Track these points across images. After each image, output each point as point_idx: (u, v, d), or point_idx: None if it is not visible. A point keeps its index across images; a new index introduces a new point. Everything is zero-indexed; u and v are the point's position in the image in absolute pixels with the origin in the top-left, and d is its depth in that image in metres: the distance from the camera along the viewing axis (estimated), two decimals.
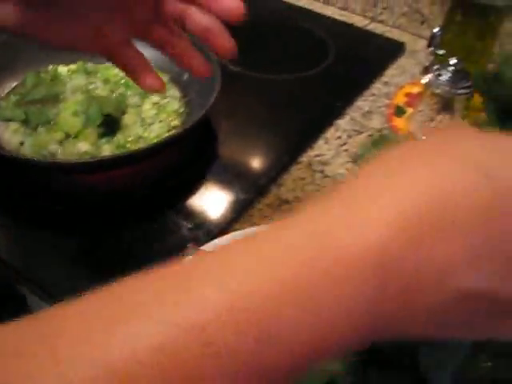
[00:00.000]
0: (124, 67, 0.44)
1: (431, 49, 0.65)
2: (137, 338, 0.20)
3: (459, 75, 0.62)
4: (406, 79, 0.78)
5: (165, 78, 0.73)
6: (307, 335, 0.21)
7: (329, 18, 0.92)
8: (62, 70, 0.73)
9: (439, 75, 0.62)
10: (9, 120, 0.65)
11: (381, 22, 0.92)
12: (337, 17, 0.93)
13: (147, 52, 0.44)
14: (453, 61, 0.62)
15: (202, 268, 0.22)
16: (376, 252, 0.21)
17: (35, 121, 0.64)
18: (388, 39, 0.87)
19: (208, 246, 0.50)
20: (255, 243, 0.23)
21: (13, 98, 0.69)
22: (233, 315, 0.20)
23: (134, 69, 0.44)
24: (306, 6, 0.95)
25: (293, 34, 0.88)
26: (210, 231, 0.55)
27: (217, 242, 0.51)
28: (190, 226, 0.56)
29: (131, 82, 0.70)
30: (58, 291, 0.49)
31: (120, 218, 0.57)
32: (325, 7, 0.95)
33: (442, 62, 0.63)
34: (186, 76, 0.73)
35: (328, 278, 0.21)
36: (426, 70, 0.65)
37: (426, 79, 0.64)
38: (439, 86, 0.62)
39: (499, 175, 0.23)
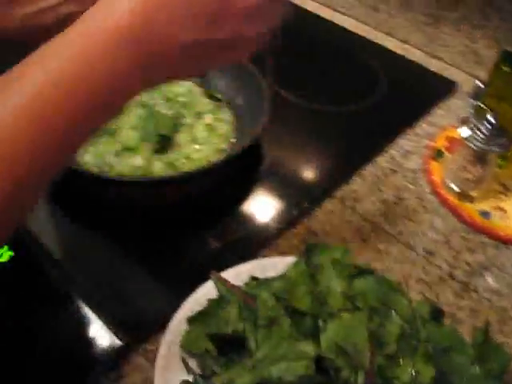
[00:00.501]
0: None
1: (472, 100, 0.67)
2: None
3: (496, 131, 0.64)
4: (452, 121, 0.80)
5: (222, 100, 0.79)
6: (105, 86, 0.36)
7: (386, 49, 0.95)
8: None
9: (476, 128, 0.65)
10: None
11: (439, 58, 0.94)
12: (396, 50, 0.95)
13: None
14: (491, 116, 0.64)
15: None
16: (127, 28, 0.36)
17: (98, 131, 0.70)
18: (441, 77, 0.90)
19: (228, 273, 0.55)
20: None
21: None
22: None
23: None
24: (367, 36, 0.98)
25: (348, 63, 0.92)
26: (237, 254, 0.59)
27: (240, 267, 0.57)
28: (218, 245, 0.61)
29: (188, 102, 0.76)
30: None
31: (160, 229, 0.63)
32: (386, 38, 0.98)
33: (481, 114, 0.65)
34: (239, 100, 0.78)
35: (100, 51, 0.35)
36: (464, 120, 0.68)
37: (463, 130, 0.66)
38: (474, 140, 0.64)
39: None
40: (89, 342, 0.53)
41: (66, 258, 0.61)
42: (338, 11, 1.04)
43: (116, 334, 0.52)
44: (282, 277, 0.52)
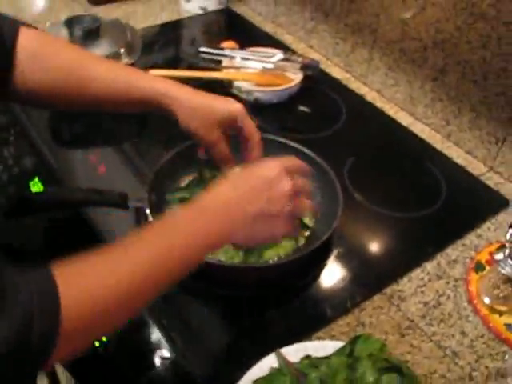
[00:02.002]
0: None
1: (511, 230, 0.80)
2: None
3: None
4: (499, 236, 0.92)
5: None
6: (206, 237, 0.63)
7: (449, 159, 1.09)
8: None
9: (510, 256, 0.78)
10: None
11: (498, 173, 1.07)
12: (459, 160, 1.09)
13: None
14: None
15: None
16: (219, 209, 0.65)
17: None
18: (497, 193, 1.02)
19: (289, 348, 0.71)
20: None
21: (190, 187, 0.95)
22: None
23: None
24: (434, 145, 1.12)
25: (417, 171, 1.06)
26: (297, 333, 0.75)
27: (299, 345, 0.72)
28: (283, 323, 0.77)
29: None
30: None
31: (241, 305, 0.81)
32: (451, 148, 1.12)
33: None
34: (318, 198, 0.94)
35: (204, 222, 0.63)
36: (501, 246, 0.80)
37: (498, 253, 0.79)
38: (505, 265, 0.77)
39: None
40: None
41: (165, 318, 0.79)
42: (417, 119, 1.19)
43: None
44: (328, 361, 0.68)
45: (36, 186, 0.97)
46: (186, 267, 0.60)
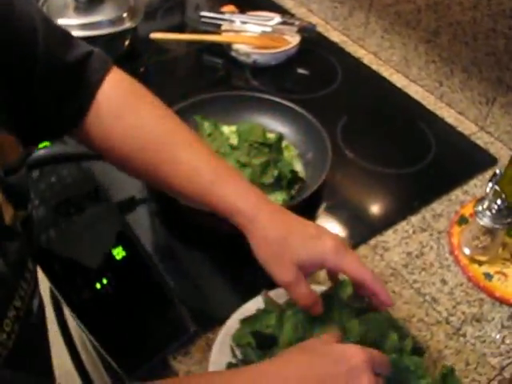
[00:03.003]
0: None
1: (490, 183, 0.84)
2: None
3: (504, 212, 0.81)
4: (484, 192, 0.96)
5: (294, 152, 1.00)
6: None
7: (441, 119, 1.12)
8: (226, 129, 1.02)
9: (488, 207, 0.82)
10: None
11: (488, 133, 1.09)
12: (450, 120, 1.12)
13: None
14: (499, 200, 0.81)
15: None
16: None
17: None
18: (485, 151, 1.05)
19: (276, 291, 0.76)
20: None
21: None
22: None
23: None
24: (427, 106, 1.15)
25: (408, 130, 1.09)
26: None
27: (282, 290, 0.77)
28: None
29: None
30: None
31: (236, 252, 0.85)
32: (444, 108, 1.15)
33: (495, 196, 0.82)
34: (309, 154, 0.99)
35: None
36: (481, 199, 0.84)
37: (478, 205, 0.83)
38: (483, 216, 0.81)
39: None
40: (170, 325, 0.76)
41: (163, 260, 0.84)
42: (412, 80, 1.21)
43: (189, 323, 0.75)
44: None
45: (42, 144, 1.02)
46: None
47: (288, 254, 0.63)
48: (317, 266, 0.66)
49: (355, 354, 0.54)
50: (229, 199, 0.64)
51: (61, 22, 1.13)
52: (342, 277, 0.70)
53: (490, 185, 0.83)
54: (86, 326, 0.76)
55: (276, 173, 0.92)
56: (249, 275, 0.81)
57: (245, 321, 0.73)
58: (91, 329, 0.76)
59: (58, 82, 0.64)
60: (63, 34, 0.66)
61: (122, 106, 0.68)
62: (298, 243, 0.64)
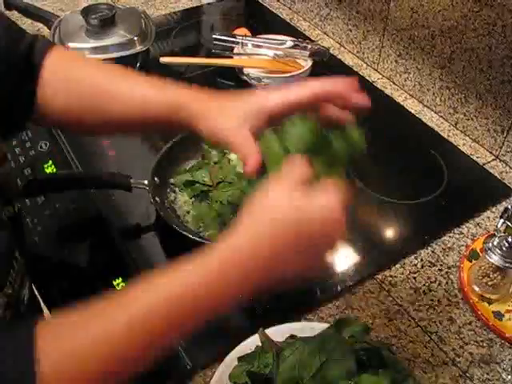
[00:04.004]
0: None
1: (501, 220, 0.81)
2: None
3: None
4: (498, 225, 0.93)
5: None
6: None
7: (455, 147, 1.09)
8: (234, 156, 1.01)
9: (498, 245, 0.79)
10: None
11: (503, 161, 1.06)
12: (464, 148, 1.09)
13: None
14: (511, 238, 0.78)
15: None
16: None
17: (202, 199, 0.93)
18: (499, 181, 1.02)
19: (275, 328, 0.74)
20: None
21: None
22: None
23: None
24: (441, 133, 1.12)
25: (421, 158, 1.07)
26: (282, 314, 0.78)
27: (284, 326, 0.75)
28: (272, 305, 0.80)
29: None
30: None
31: None
32: (458, 136, 1.12)
33: (507, 233, 0.79)
34: None
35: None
36: (492, 235, 0.81)
37: (488, 243, 0.80)
38: (494, 255, 0.78)
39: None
40: (166, 361, 0.74)
41: None
42: (426, 106, 1.19)
43: (187, 358, 0.73)
44: (308, 340, 0.70)
45: (49, 169, 1.02)
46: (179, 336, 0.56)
47: (232, 115, 0.63)
48: (264, 113, 0.62)
49: (331, 208, 0.54)
50: (172, 99, 0.67)
51: (73, 45, 1.14)
52: (343, 315, 0.68)
53: (502, 221, 0.81)
54: None
55: None
56: (248, 312, 0.80)
57: (242, 358, 0.71)
58: None
59: (14, 73, 0.68)
60: (14, 27, 0.71)
61: (67, 72, 0.72)
62: (238, 103, 0.64)
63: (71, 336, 0.48)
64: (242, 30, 1.29)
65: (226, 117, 0.63)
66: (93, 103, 0.70)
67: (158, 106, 0.67)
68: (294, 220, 0.53)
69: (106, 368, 0.48)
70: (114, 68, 0.74)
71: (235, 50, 1.24)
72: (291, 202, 0.53)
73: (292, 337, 0.73)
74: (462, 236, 0.92)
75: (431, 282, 0.85)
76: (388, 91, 1.23)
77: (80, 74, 0.72)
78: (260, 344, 0.72)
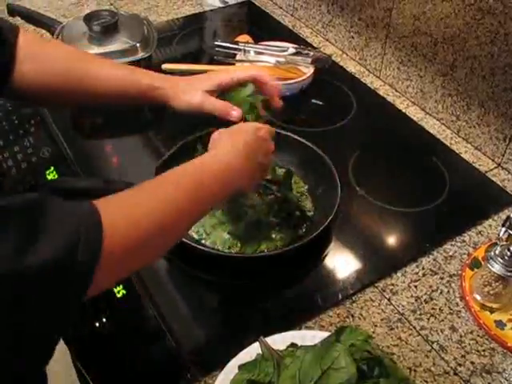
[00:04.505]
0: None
1: (503, 228, 0.80)
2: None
3: None
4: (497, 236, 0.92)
5: (303, 187, 0.98)
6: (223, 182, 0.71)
7: (457, 155, 1.09)
8: None
9: (500, 253, 0.78)
10: None
11: (505, 169, 1.06)
12: (466, 156, 1.09)
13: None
14: None
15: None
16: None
17: None
18: (501, 189, 1.02)
19: (276, 336, 0.73)
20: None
21: None
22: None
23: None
24: (443, 140, 1.12)
25: (423, 166, 1.07)
26: (287, 322, 0.78)
27: (286, 334, 0.75)
28: (275, 312, 0.80)
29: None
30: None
31: (236, 294, 0.84)
32: (460, 143, 1.12)
33: (509, 242, 0.79)
34: (319, 190, 0.97)
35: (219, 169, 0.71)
36: (494, 243, 0.81)
37: (490, 252, 0.80)
38: (494, 263, 0.78)
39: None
40: (167, 369, 0.74)
41: (164, 301, 0.82)
42: (428, 113, 1.19)
43: (188, 367, 0.73)
44: (309, 349, 0.70)
45: (51, 175, 1.02)
46: (213, 201, 0.69)
47: (197, 89, 0.88)
48: (217, 86, 0.88)
49: (260, 128, 0.79)
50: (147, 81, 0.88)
51: None
52: (344, 324, 0.68)
53: (504, 229, 0.80)
54: (81, 364, 0.75)
55: (284, 213, 0.90)
56: (249, 320, 0.80)
57: (243, 367, 0.70)
58: (85, 367, 0.75)
59: None
60: None
61: (40, 51, 0.83)
62: (199, 81, 0.90)
63: (130, 202, 0.59)
64: (245, 37, 1.29)
65: (193, 91, 0.87)
66: (71, 77, 0.84)
67: (135, 85, 0.87)
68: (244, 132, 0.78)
69: (161, 222, 0.59)
70: (85, 52, 0.96)
71: (237, 57, 1.25)
72: (242, 126, 0.81)
73: (293, 345, 0.73)
74: (463, 244, 0.92)
75: (432, 291, 0.85)
76: (390, 98, 1.23)
77: (55, 54, 0.85)
78: (261, 352, 0.72)
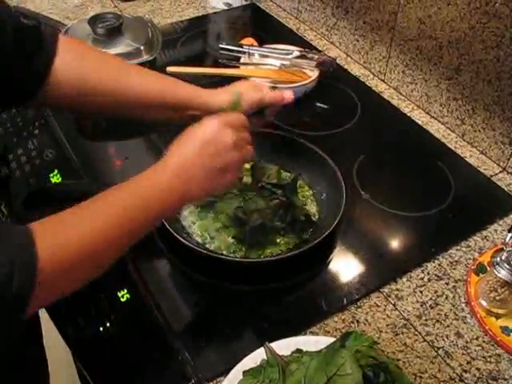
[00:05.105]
0: None
1: (510, 234, 0.80)
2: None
3: None
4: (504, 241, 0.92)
5: (309, 192, 0.98)
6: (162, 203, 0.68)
7: (462, 159, 1.08)
8: None
9: (506, 259, 0.78)
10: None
11: (510, 173, 1.06)
12: (471, 160, 1.08)
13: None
14: None
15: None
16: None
17: (207, 210, 0.92)
18: (506, 194, 1.01)
19: (281, 342, 0.73)
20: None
21: None
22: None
23: None
24: (448, 144, 1.12)
25: (428, 171, 1.06)
26: (288, 328, 0.77)
27: (291, 340, 0.75)
28: (279, 317, 0.80)
29: None
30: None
31: (239, 298, 0.83)
32: (466, 147, 1.11)
33: None
34: (324, 195, 0.96)
35: (161, 191, 0.68)
36: (500, 249, 0.80)
37: (496, 257, 0.80)
38: (502, 270, 0.77)
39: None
40: (171, 374, 0.74)
41: (168, 305, 0.82)
42: (433, 117, 1.18)
43: (191, 372, 0.73)
44: (314, 355, 0.70)
45: (55, 178, 1.02)
46: (145, 227, 0.67)
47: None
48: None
49: (209, 125, 0.73)
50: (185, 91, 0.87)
51: None
52: (349, 329, 0.68)
53: (510, 235, 0.80)
54: (84, 367, 0.75)
55: (289, 218, 0.90)
56: (254, 325, 0.79)
57: (248, 372, 0.70)
58: (89, 371, 0.74)
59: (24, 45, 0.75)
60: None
61: (79, 63, 0.81)
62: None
63: (64, 224, 0.59)
64: (249, 40, 1.29)
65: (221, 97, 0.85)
66: (108, 89, 0.82)
67: (174, 97, 0.86)
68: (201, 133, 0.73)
69: (95, 249, 0.60)
70: (123, 61, 0.89)
71: (242, 60, 1.24)
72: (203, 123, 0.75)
73: (298, 351, 0.72)
74: (469, 249, 0.92)
75: (438, 296, 0.84)
76: (395, 102, 1.23)
77: (93, 65, 0.82)
78: (265, 358, 0.72)
